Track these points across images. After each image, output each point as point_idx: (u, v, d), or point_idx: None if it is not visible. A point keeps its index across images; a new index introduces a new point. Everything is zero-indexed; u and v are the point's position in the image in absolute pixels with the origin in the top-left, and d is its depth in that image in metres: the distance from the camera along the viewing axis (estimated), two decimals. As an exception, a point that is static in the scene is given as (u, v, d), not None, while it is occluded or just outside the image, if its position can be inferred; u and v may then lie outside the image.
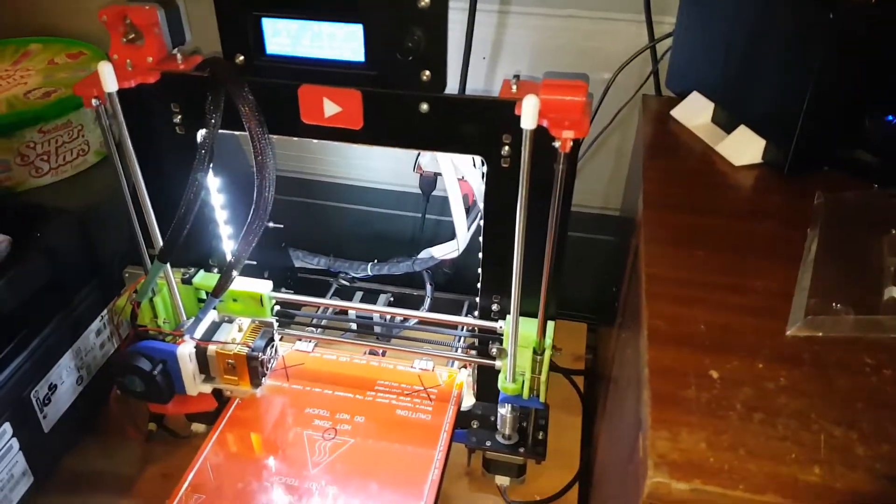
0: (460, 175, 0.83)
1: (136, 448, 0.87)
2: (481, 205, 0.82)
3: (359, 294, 1.01)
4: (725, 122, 0.73)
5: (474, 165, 0.81)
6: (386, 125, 0.68)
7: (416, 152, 0.93)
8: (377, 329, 0.96)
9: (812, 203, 0.62)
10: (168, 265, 0.75)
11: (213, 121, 0.66)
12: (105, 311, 0.88)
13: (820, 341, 0.51)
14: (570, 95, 0.61)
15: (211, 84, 0.66)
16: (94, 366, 0.88)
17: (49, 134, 0.84)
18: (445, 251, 0.89)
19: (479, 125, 0.65)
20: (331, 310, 0.90)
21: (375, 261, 0.98)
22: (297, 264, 1.00)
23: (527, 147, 0.60)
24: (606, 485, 0.66)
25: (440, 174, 0.93)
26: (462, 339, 0.88)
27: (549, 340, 0.72)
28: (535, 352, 0.72)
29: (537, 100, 0.58)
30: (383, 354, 0.90)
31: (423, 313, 0.86)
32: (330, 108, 0.67)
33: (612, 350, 0.75)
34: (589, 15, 0.88)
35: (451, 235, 1.01)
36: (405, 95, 0.65)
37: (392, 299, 1.01)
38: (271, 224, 0.84)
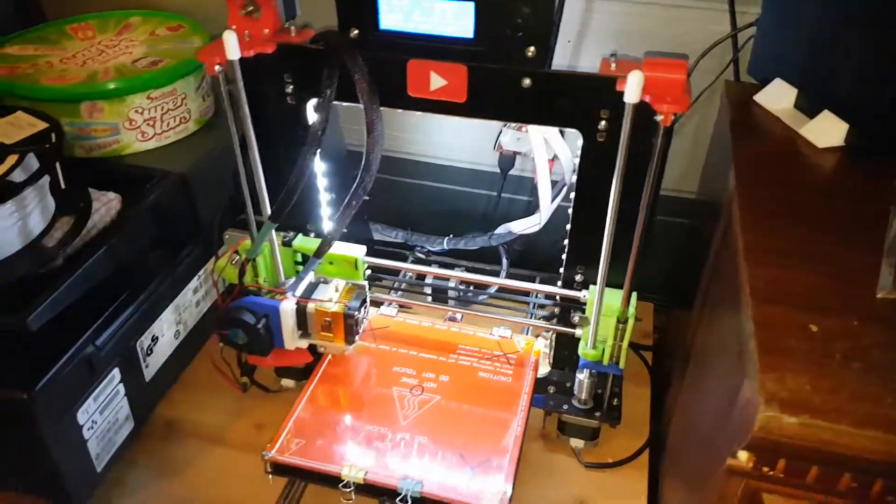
0: (551, 154, 0.86)
1: (227, 400, 0.92)
2: (569, 179, 0.87)
3: (433, 268, 1.05)
4: (808, 106, 0.77)
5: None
6: (488, 99, 0.71)
7: (496, 132, 0.97)
8: (456, 296, 1.00)
9: (892, 183, 0.66)
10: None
11: (328, 92, 0.71)
12: (202, 271, 0.93)
13: (907, 305, 0.54)
14: (672, 73, 0.64)
15: (327, 56, 0.71)
16: (189, 322, 0.93)
17: (156, 101, 0.89)
18: (525, 226, 0.93)
19: (579, 100, 0.69)
20: (414, 277, 0.95)
21: (451, 235, 1.02)
22: (376, 237, 1.05)
23: (628, 121, 0.64)
24: (689, 447, 0.70)
25: (519, 153, 0.97)
26: (534, 308, 0.92)
27: (632, 310, 0.76)
28: (618, 320, 0.76)
29: (642, 75, 0.62)
30: (461, 320, 0.94)
31: (508, 281, 0.89)
32: (436, 82, 0.71)
33: (694, 325, 0.79)
34: (671, 3, 0.91)
35: (524, 213, 1.06)
36: (510, 70, 0.69)
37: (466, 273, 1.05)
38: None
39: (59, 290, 0.71)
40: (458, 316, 0.94)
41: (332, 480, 0.74)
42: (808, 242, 0.61)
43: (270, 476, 0.76)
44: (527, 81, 0.69)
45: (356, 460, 0.75)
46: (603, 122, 0.70)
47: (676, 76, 0.64)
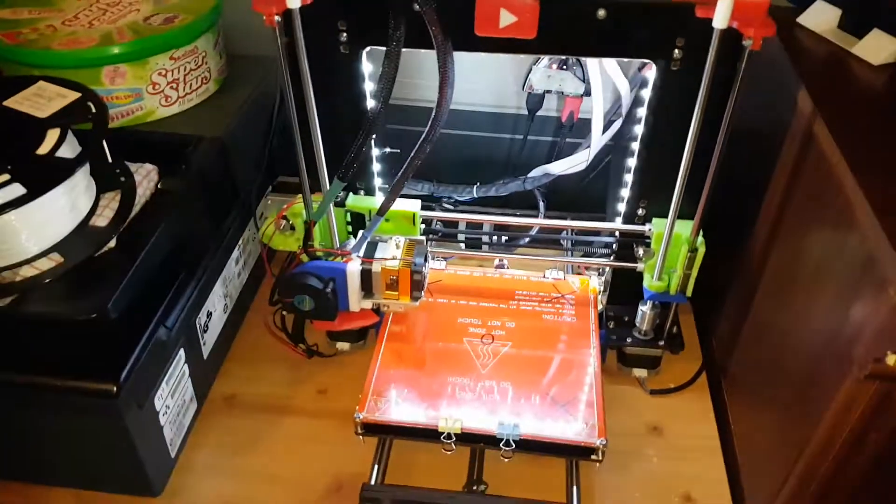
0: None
1: (282, 369, 0.89)
2: (625, 112, 0.86)
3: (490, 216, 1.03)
4: (854, 26, 0.78)
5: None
6: (560, 34, 0.69)
7: (520, 72, 0.96)
8: (501, 242, 0.99)
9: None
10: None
11: (396, 38, 0.67)
12: (239, 240, 0.89)
13: None
14: (757, -3, 0.64)
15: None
16: (234, 294, 0.89)
17: (179, 61, 0.84)
18: (568, 165, 0.92)
19: (655, 29, 0.68)
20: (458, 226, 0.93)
21: (478, 183, 1.00)
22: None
23: (714, 47, 0.63)
24: (783, 368, 0.72)
25: (549, 91, 0.96)
26: (572, 246, 0.92)
27: (700, 239, 0.77)
28: (689, 249, 0.77)
29: (732, 0, 0.62)
30: (507, 267, 0.93)
31: (560, 221, 0.90)
32: (506, 19, 0.69)
33: (761, 249, 0.80)
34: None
35: (547, 154, 1.05)
36: (583, 2, 0.67)
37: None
38: (388, 149, 0.87)
39: (130, 274, 0.67)
40: (505, 262, 0.94)
41: (430, 434, 0.73)
42: (900, 152, 0.63)
43: (362, 437, 0.74)
44: (601, 13, 0.67)
45: (448, 412, 0.74)
46: (677, 51, 0.69)
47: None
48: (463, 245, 0.99)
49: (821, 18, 0.80)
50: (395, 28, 0.68)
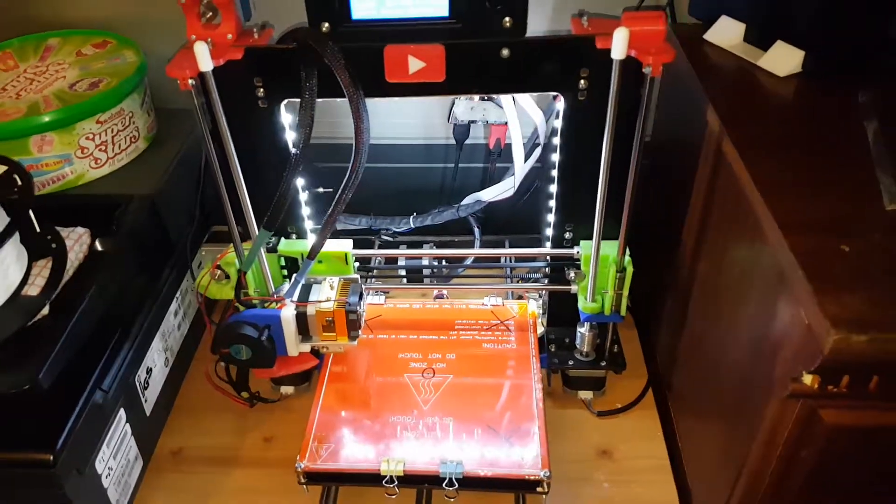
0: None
1: (228, 419, 0.89)
2: (543, 140, 0.88)
3: (403, 249, 1.05)
4: (758, 39, 0.80)
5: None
6: (468, 74, 0.71)
7: (447, 107, 0.97)
8: (438, 272, 1.00)
9: (857, 99, 0.71)
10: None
11: (310, 89, 0.69)
12: (178, 293, 0.89)
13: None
14: (653, 25, 0.66)
15: (302, 54, 0.69)
16: (174, 347, 0.89)
17: (105, 124, 0.84)
18: (497, 192, 0.94)
19: (559, 63, 0.70)
20: (383, 262, 0.95)
21: (415, 213, 1.02)
22: (339, 227, 1.03)
23: (615, 77, 0.65)
24: (719, 380, 0.74)
25: (474, 122, 0.98)
26: (511, 272, 0.94)
27: (628, 258, 0.78)
28: (616, 270, 0.78)
29: (627, 31, 0.63)
30: (446, 297, 0.94)
31: (495, 250, 0.91)
32: (414, 65, 0.71)
33: (686, 264, 0.82)
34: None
35: (480, 181, 1.07)
36: (488, 43, 0.69)
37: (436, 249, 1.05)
38: (321, 189, 0.88)
39: (61, 341, 0.67)
40: (444, 293, 0.95)
41: (372, 479, 0.73)
42: (807, 169, 0.64)
43: (306, 487, 0.75)
44: (505, 52, 0.69)
45: (391, 454, 0.75)
46: (583, 82, 0.71)
47: (657, 28, 0.66)
48: (405, 280, 1.00)
49: (726, 33, 0.83)
50: (306, 80, 0.69)
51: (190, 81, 0.67)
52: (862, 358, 0.50)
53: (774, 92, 0.76)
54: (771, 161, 0.65)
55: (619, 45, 0.64)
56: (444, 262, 0.97)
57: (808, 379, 0.53)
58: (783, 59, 0.77)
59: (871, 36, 0.75)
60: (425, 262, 0.94)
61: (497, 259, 0.95)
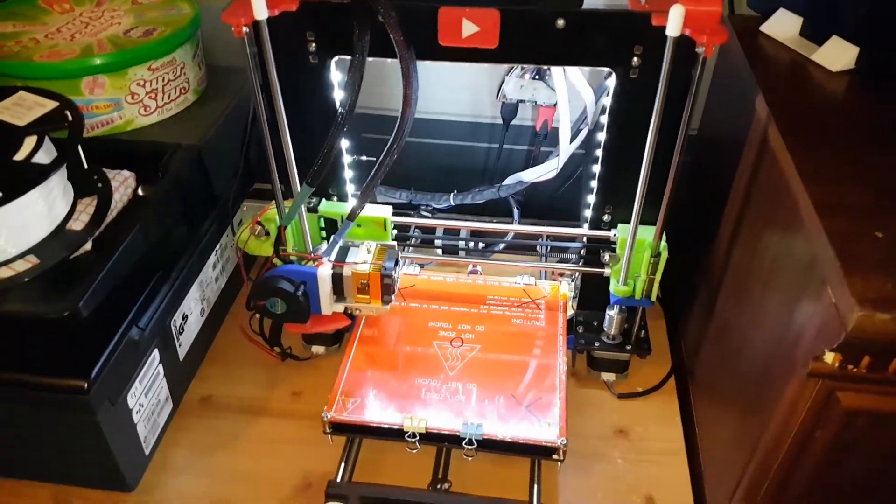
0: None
1: (258, 372, 0.91)
2: (591, 121, 0.88)
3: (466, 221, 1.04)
4: (814, 34, 0.80)
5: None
6: (521, 43, 0.71)
7: (493, 83, 0.98)
8: (474, 248, 1.01)
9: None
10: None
11: (362, 48, 0.70)
12: (218, 246, 0.91)
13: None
14: (709, 5, 0.66)
15: (356, 10, 0.70)
16: (211, 298, 0.91)
17: (157, 72, 0.86)
18: (540, 173, 0.94)
19: (613, 38, 0.70)
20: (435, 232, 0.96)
21: (455, 191, 1.02)
22: (379, 199, 1.04)
23: (669, 54, 0.65)
24: (740, 364, 0.74)
25: (522, 101, 0.98)
26: (547, 252, 0.94)
27: (663, 244, 0.78)
28: (651, 255, 0.78)
29: (683, 9, 0.63)
30: (481, 273, 0.95)
31: (534, 227, 0.91)
32: (468, 29, 0.71)
33: (722, 252, 0.82)
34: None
35: (523, 163, 1.07)
36: (544, 12, 0.69)
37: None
38: (364, 157, 0.89)
39: (102, 275, 0.69)
40: (479, 268, 0.96)
41: (395, 433, 0.75)
42: (850, 158, 0.64)
43: (330, 437, 0.76)
44: (560, 22, 0.70)
45: (414, 412, 0.76)
46: (636, 59, 0.71)
47: (713, 8, 0.66)
48: (440, 251, 1.01)
49: (783, 26, 0.82)
50: (359, 37, 0.70)
51: (244, 29, 0.69)
52: (884, 337, 0.50)
53: (826, 86, 0.76)
54: (815, 150, 0.65)
55: (674, 22, 0.64)
56: (480, 237, 0.98)
57: (829, 357, 0.54)
58: (837, 55, 0.77)
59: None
60: (463, 234, 0.95)
61: (533, 237, 0.96)
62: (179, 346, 0.84)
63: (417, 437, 0.74)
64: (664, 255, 0.78)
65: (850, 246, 0.54)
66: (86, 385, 0.66)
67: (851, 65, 0.76)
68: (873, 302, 0.50)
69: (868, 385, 0.56)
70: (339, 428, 0.76)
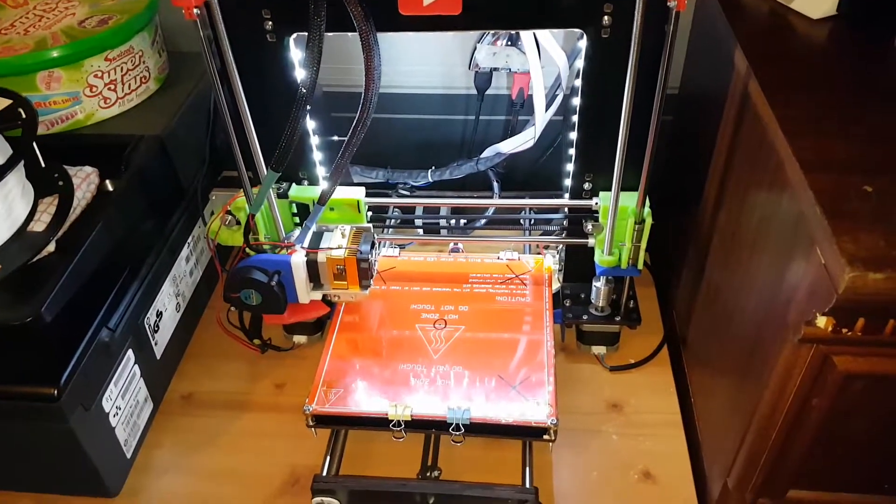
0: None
1: (240, 365, 0.89)
2: (565, 87, 0.85)
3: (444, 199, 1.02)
4: (792, -20, 0.77)
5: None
6: (485, 7, 0.68)
7: (464, 52, 0.95)
8: (454, 226, 0.98)
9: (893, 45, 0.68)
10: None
11: (318, 21, 0.66)
12: (190, 238, 0.88)
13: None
14: (680, -43, 0.63)
15: (312, -17, 0.66)
16: (186, 292, 0.89)
17: (115, 62, 0.83)
18: (517, 144, 0.91)
19: (582, -3, 0.67)
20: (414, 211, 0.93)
21: (433, 167, 0.99)
22: (356, 179, 1.01)
23: (640, 10, 0.62)
24: (731, 330, 0.72)
25: (496, 69, 0.95)
26: (530, 226, 0.91)
27: (647, 210, 0.76)
28: (635, 222, 0.75)
29: (652, -38, 0.60)
30: (462, 250, 0.93)
31: (513, 200, 0.89)
32: (429, -4, 0.68)
33: (708, 215, 0.80)
34: None
35: (502, 133, 1.04)
36: (508, -28, 0.66)
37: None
38: (336, 137, 0.86)
39: (65, 277, 0.67)
40: (460, 246, 0.93)
41: (380, 422, 0.72)
42: (834, 108, 0.61)
43: (314, 430, 0.74)
44: (526, -17, 0.67)
45: (399, 400, 0.73)
46: (606, 18, 0.68)
47: (683, -40, 0.63)
48: (421, 231, 0.98)
49: (759, -24, 0.79)
50: (315, 12, 0.66)
51: (195, 11, 0.65)
52: (878, 298, 0.48)
53: (806, 34, 0.73)
54: (797, 102, 0.62)
55: (644, -24, 0.61)
56: (461, 214, 0.95)
57: (821, 322, 0.51)
58: (817, 1, 0.73)
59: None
60: (442, 213, 0.92)
61: (515, 211, 0.93)
62: (155, 344, 0.82)
63: (403, 426, 0.72)
64: (648, 221, 0.76)
65: (837, 202, 0.52)
66: (55, 392, 0.64)
67: (833, 11, 0.73)
68: (865, 261, 0.47)
69: (864, 348, 0.53)
70: (322, 420, 0.74)
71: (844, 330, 0.52)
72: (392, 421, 0.72)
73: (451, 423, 0.71)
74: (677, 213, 0.92)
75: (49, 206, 0.72)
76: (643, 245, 0.77)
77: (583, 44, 0.71)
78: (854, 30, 0.72)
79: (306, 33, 0.68)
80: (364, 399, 0.74)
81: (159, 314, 0.82)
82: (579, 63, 0.73)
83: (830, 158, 0.56)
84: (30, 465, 0.74)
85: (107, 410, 0.72)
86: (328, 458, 0.74)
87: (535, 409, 0.72)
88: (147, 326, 0.79)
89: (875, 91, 0.64)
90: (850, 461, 0.63)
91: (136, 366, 0.77)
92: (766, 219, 0.63)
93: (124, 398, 0.75)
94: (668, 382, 0.85)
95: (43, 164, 0.72)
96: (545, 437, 0.71)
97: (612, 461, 0.78)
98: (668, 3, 0.62)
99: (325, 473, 0.73)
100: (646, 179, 0.73)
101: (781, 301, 0.57)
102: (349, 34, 0.68)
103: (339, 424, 0.75)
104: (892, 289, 0.47)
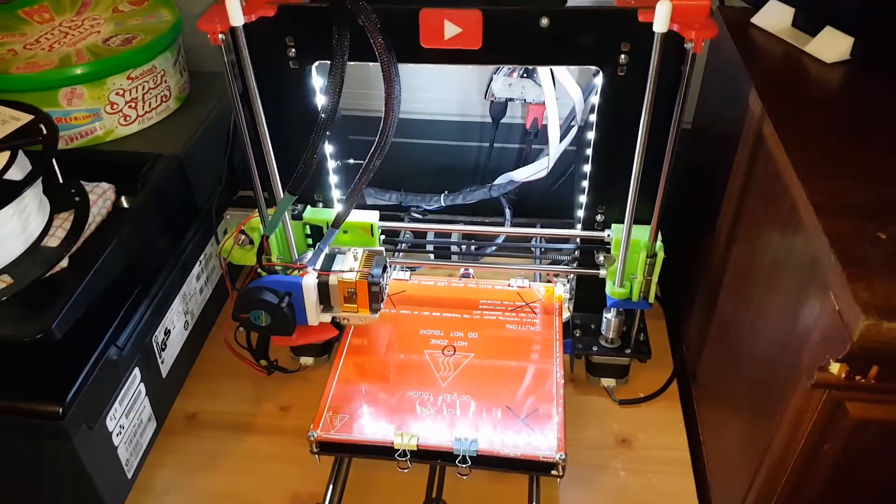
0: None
1: (245, 386, 0.89)
2: (580, 119, 0.86)
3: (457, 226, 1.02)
4: (807, 25, 0.77)
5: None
6: (504, 43, 0.69)
7: (481, 81, 0.95)
8: (465, 251, 0.98)
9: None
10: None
11: (342, 52, 0.67)
12: (202, 256, 0.88)
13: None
14: (697, 0, 0.63)
15: (336, 13, 0.67)
16: (195, 311, 0.89)
17: (136, 80, 0.84)
18: (530, 173, 0.92)
19: (599, 35, 0.68)
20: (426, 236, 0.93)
21: (446, 192, 1.00)
22: (369, 201, 1.01)
23: (657, 51, 0.63)
24: (742, 370, 0.71)
25: (511, 99, 0.96)
26: (540, 254, 0.92)
27: (659, 243, 0.76)
28: (647, 255, 0.76)
29: (670, 4, 0.61)
30: (473, 276, 0.93)
31: (525, 229, 0.89)
32: (450, 30, 0.69)
33: (720, 252, 0.80)
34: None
35: (514, 161, 1.05)
36: (527, 11, 0.67)
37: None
38: (352, 161, 0.86)
39: (77, 293, 0.67)
40: (471, 272, 0.93)
41: (385, 451, 0.72)
42: (850, 153, 0.62)
43: (317, 456, 0.74)
44: (545, 21, 0.67)
45: (405, 428, 0.73)
46: (623, 56, 0.69)
47: (701, 2, 0.63)
48: (432, 255, 0.99)
49: (775, 18, 0.80)
50: (339, 42, 0.67)
51: (220, 36, 0.66)
52: (893, 347, 0.47)
53: (820, 78, 0.73)
54: (811, 145, 0.62)
55: (661, 18, 0.61)
56: (472, 240, 0.95)
57: (835, 368, 0.51)
58: (831, 45, 0.74)
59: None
60: (454, 238, 0.93)
61: (526, 239, 0.93)
62: (162, 362, 0.82)
63: (408, 456, 0.72)
64: (660, 255, 0.76)
65: (852, 249, 0.52)
66: (60, 410, 0.63)
67: (846, 55, 0.74)
68: (880, 310, 0.47)
69: (878, 395, 0.53)
70: (326, 447, 0.73)
71: (858, 377, 0.51)
72: (398, 451, 0.72)
73: (458, 455, 0.71)
74: (688, 248, 0.92)
75: (65, 221, 0.73)
76: (655, 279, 0.77)
77: (599, 80, 0.72)
78: (868, 74, 0.72)
79: (328, 61, 0.70)
80: (369, 426, 0.74)
81: (167, 332, 0.82)
82: (594, 98, 0.74)
83: (845, 204, 0.56)
84: (30, 482, 0.73)
85: (110, 429, 0.72)
86: (331, 486, 0.74)
87: (543, 442, 0.71)
88: (155, 344, 0.79)
89: (889, 136, 0.64)
90: (864, 504, 0.63)
91: (142, 384, 0.77)
92: (779, 258, 0.63)
93: (128, 417, 0.75)
94: (678, 418, 0.85)
95: (61, 180, 0.73)
96: (553, 472, 0.71)
97: (619, 499, 0.77)
98: (685, 45, 0.63)
99: (327, 503, 0.72)
100: (658, 214, 0.73)
101: (794, 344, 0.57)
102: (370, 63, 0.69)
103: (344, 452, 0.75)
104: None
